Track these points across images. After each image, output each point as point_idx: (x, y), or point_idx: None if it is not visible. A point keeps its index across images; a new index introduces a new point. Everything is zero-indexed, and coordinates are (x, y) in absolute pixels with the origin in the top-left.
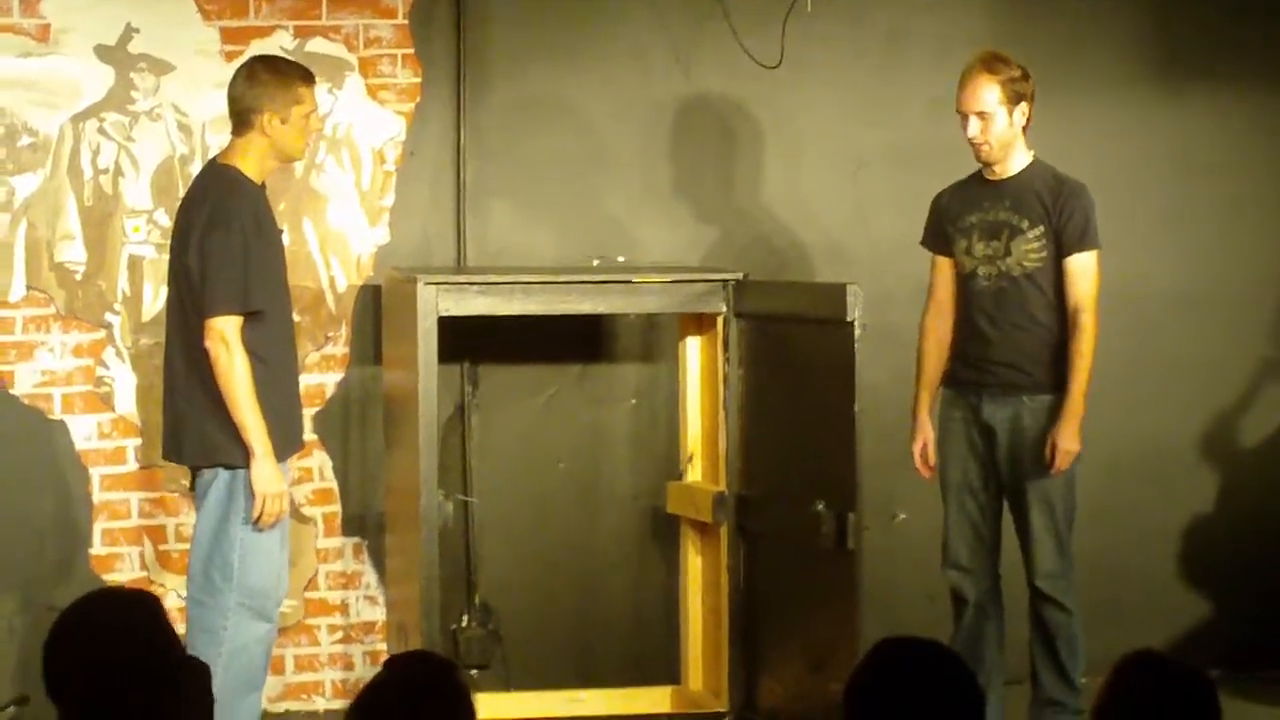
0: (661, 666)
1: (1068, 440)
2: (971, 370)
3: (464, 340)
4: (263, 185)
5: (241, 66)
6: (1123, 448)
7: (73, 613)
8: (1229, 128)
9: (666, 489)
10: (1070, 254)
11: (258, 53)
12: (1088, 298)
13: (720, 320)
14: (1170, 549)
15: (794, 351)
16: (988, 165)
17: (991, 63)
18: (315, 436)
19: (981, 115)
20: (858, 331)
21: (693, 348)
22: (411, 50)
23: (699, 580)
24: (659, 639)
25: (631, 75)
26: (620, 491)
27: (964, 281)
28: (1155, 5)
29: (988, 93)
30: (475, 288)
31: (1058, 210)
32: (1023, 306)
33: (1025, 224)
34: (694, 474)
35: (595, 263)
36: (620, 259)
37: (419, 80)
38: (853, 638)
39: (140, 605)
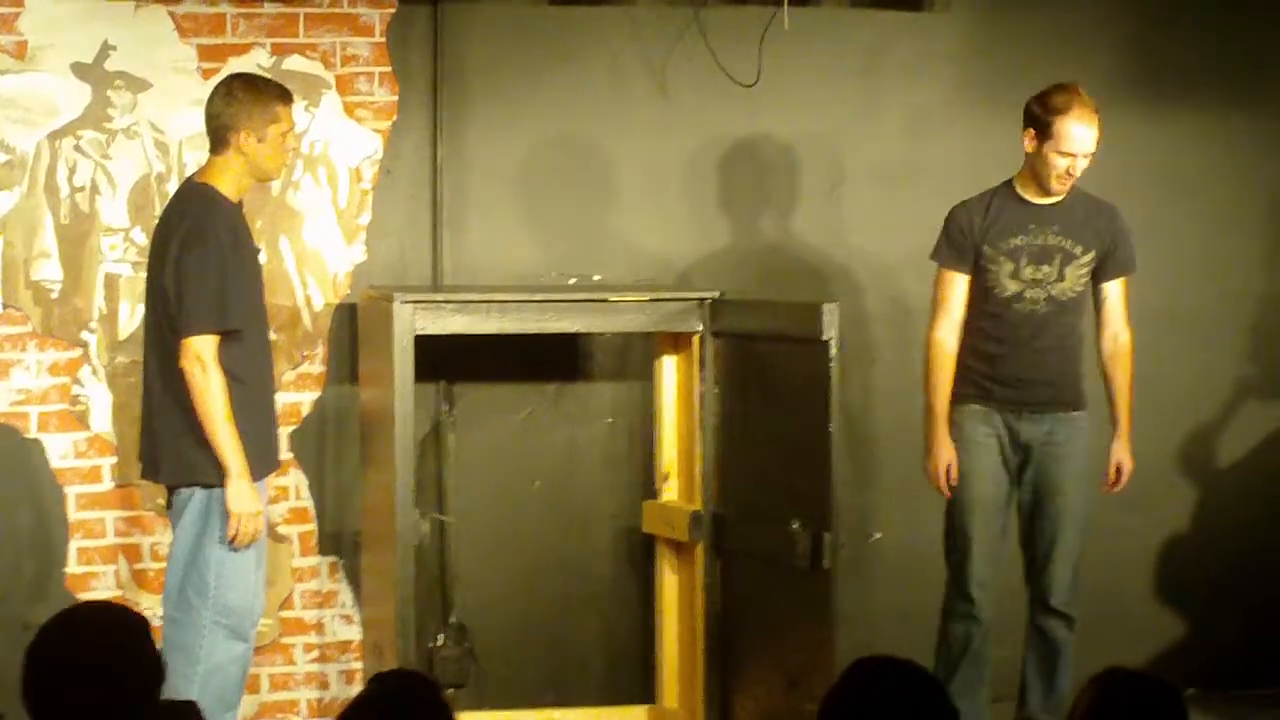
0: (637, 685)
1: (1130, 459)
2: (1010, 389)
3: (440, 359)
4: (239, 204)
5: (219, 84)
6: (1100, 466)
7: (56, 623)
8: (1208, 146)
9: (642, 508)
10: (1120, 276)
11: (235, 70)
12: (1128, 318)
13: (696, 339)
14: (1147, 567)
15: (770, 370)
16: (1047, 193)
17: (1091, 100)
18: (291, 455)
19: (1089, 156)
20: (834, 350)
21: (669, 366)
22: (389, 68)
23: (675, 599)
24: (634, 658)
25: (608, 93)
26: (596, 510)
27: (1002, 303)
28: (1135, 23)
29: (1096, 134)
30: (451, 306)
31: (1110, 234)
32: (1066, 328)
33: (1079, 249)
34: (670, 493)
35: (572, 281)
36: (596, 277)
37: (396, 98)
38: (828, 657)
39: (125, 623)
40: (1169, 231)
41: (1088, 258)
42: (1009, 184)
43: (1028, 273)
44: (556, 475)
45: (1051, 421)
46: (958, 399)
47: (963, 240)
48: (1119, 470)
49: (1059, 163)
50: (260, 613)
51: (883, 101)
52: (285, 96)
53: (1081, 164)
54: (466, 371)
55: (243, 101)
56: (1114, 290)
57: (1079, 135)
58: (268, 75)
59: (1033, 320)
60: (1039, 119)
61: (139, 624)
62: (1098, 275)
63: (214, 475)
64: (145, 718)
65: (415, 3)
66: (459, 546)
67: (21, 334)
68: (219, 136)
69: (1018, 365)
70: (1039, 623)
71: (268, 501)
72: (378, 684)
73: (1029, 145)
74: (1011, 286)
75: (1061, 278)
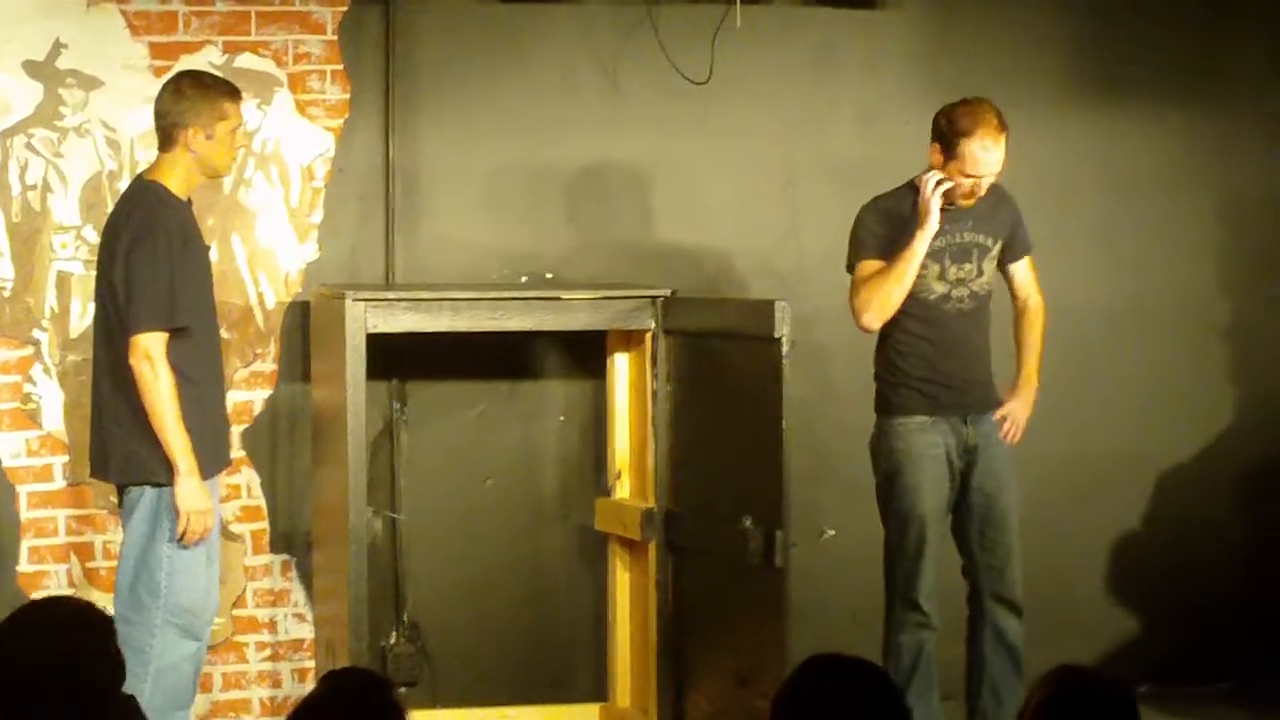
0: (590, 683)
1: (1027, 409)
2: (954, 392)
3: (393, 357)
4: (189, 201)
5: (167, 82)
6: (1051, 463)
7: (16, 619)
8: (1159, 144)
9: (595, 505)
10: (1024, 256)
11: (185, 68)
12: (1038, 287)
13: (649, 337)
14: (1098, 565)
15: (722, 368)
16: (953, 203)
17: (997, 118)
18: (243, 453)
19: (995, 173)
20: (786, 348)
21: (621, 364)
22: (341, 66)
23: (627, 597)
24: (587, 656)
25: (560, 91)
26: (549, 508)
27: (930, 305)
28: (1087, 22)
29: (1002, 152)
30: (404, 304)
31: (1010, 220)
32: (986, 321)
33: (990, 241)
34: (622, 491)
35: (524, 279)
36: (549, 275)
37: (348, 96)
38: (780, 654)
39: (89, 619)
40: (1122, 229)
41: (997, 248)
42: (912, 186)
43: (952, 273)
44: (509, 473)
45: (988, 422)
46: (902, 410)
47: (881, 235)
48: (1012, 419)
49: (964, 182)
50: (213, 611)
51: (835, 99)
52: (233, 93)
53: (987, 181)
54: (419, 370)
55: (191, 99)
56: (1021, 268)
57: (984, 159)
58: (219, 73)
59: (962, 319)
60: (945, 138)
61: (103, 621)
62: (1001, 260)
63: (164, 474)
64: (106, 713)
65: (367, 1)
66: (411, 545)
67: None
68: (168, 134)
69: (961, 365)
70: (999, 623)
71: (219, 499)
72: (330, 682)
73: (935, 159)
74: (939, 288)
75: (981, 273)
